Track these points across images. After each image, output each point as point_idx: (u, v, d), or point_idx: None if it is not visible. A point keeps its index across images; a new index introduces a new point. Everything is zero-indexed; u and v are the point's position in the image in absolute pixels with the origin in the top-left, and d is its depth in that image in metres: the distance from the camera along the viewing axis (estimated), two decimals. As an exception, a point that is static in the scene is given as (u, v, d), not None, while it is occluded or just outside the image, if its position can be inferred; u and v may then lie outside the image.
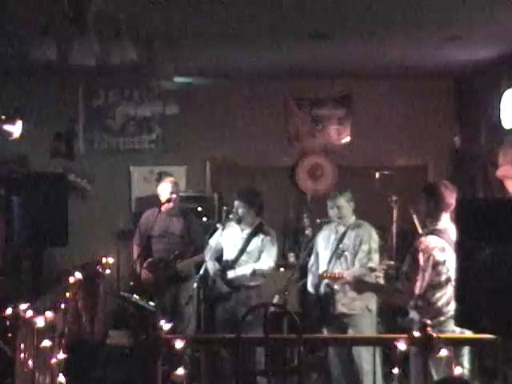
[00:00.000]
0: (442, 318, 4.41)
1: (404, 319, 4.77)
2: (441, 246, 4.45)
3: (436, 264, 4.44)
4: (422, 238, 4.55)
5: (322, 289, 5.69)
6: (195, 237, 6.62)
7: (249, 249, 6.05)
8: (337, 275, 5.45)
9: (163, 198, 6.64)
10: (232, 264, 6.05)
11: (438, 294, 4.45)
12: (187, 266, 6.55)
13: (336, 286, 5.58)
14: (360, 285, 5.21)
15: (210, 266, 6.07)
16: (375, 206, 7.10)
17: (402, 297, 4.57)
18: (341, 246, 5.66)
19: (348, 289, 5.54)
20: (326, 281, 5.64)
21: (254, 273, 5.98)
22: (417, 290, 4.43)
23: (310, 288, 5.88)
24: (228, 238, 6.14)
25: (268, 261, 6.01)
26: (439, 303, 4.45)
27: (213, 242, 6.09)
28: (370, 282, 5.39)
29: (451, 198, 4.51)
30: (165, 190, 6.66)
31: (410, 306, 4.59)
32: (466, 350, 4.43)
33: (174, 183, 6.75)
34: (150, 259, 6.64)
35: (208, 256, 6.09)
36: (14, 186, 6.15)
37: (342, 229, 5.74)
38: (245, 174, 8.40)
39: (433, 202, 4.57)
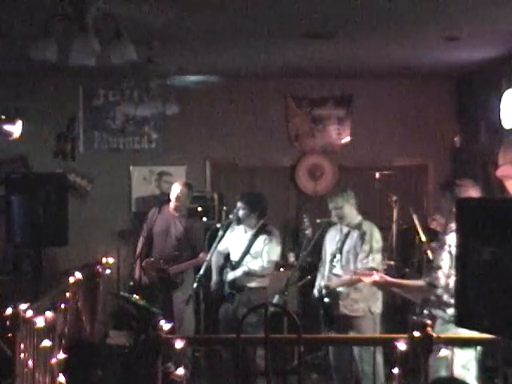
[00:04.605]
0: None
1: (417, 316, 4.74)
2: None
3: None
4: (452, 234, 4.55)
5: (325, 290, 5.64)
6: (194, 239, 6.64)
7: (252, 250, 6.06)
8: (367, 273, 5.31)
9: (171, 198, 6.71)
10: (236, 265, 6.07)
11: None
12: (180, 270, 6.57)
13: (340, 288, 5.55)
14: (387, 282, 5.10)
15: (214, 277, 6.15)
16: (375, 206, 7.11)
17: (436, 291, 4.54)
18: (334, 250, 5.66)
19: (351, 290, 5.52)
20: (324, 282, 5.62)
21: (247, 274, 5.99)
22: (452, 284, 4.44)
23: (316, 289, 5.79)
24: (233, 240, 6.17)
25: (260, 261, 6.01)
26: None
27: (221, 247, 6.12)
28: (394, 280, 5.27)
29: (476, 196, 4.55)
30: (173, 190, 6.72)
31: (432, 301, 4.58)
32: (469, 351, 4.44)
33: (183, 185, 6.77)
34: (147, 259, 6.66)
35: (214, 263, 6.13)
36: (14, 186, 6.15)
37: (346, 229, 5.72)
38: (245, 174, 8.42)
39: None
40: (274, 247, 6.08)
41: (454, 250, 4.47)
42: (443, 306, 4.50)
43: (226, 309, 6.08)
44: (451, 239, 4.52)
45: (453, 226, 4.66)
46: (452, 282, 4.45)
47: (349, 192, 5.74)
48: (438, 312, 4.53)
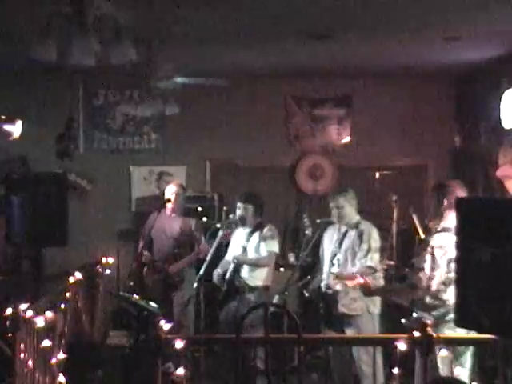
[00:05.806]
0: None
1: (408, 320, 4.75)
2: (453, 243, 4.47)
3: (450, 261, 4.45)
4: (437, 235, 4.55)
5: (323, 289, 5.64)
6: (192, 237, 6.63)
7: (249, 247, 6.09)
8: (350, 276, 5.34)
9: (166, 200, 6.69)
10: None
11: (451, 292, 4.45)
12: (179, 267, 6.56)
13: (338, 287, 5.55)
14: (369, 288, 5.12)
15: (215, 273, 6.15)
16: (375, 206, 7.10)
17: (418, 293, 4.54)
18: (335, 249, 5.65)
19: (349, 289, 5.52)
20: (325, 282, 5.62)
21: (237, 262, 6.01)
22: (434, 286, 4.44)
23: (321, 287, 5.79)
24: (233, 242, 6.21)
25: (255, 249, 6.05)
26: (452, 300, 4.45)
27: (228, 256, 6.18)
28: (377, 285, 5.29)
29: None
30: (167, 191, 6.69)
31: (419, 303, 4.58)
32: (466, 350, 4.44)
33: (178, 185, 6.76)
34: (146, 254, 6.66)
35: (218, 273, 6.16)
36: (14, 186, 6.16)
37: (343, 228, 5.72)
38: (245, 174, 8.42)
39: (446, 200, 4.61)
40: (271, 240, 6.09)
41: (436, 252, 4.49)
42: (426, 308, 4.50)
43: (227, 310, 6.09)
44: (435, 241, 4.53)
45: (438, 227, 4.67)
46: (435, 284, 4.46)
47: (350, 192, 5.74)
48: (423, 314, 4.53)
